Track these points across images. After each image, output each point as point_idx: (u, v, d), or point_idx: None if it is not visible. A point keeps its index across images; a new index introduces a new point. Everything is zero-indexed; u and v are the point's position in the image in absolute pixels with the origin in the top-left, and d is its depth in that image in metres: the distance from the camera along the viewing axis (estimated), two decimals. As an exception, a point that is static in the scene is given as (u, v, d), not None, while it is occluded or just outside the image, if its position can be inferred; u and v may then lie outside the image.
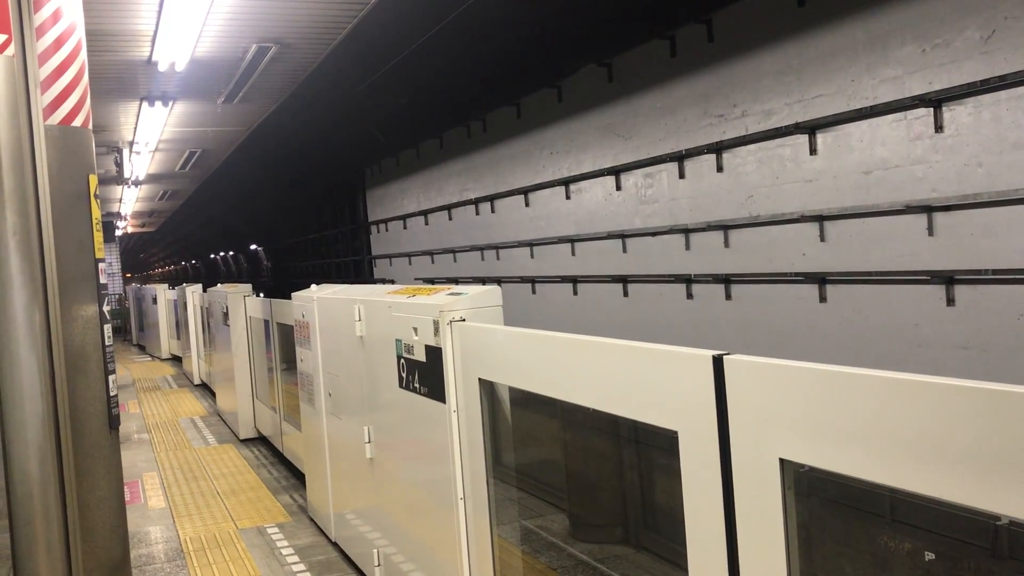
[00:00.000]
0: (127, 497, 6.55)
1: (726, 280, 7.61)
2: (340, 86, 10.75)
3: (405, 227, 15.83)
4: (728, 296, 7.62)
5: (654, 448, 3.36)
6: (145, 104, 10.33)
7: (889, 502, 2.80)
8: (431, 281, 13.80)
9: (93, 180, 3.35)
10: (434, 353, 3.41)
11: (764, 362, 1.81)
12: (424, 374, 3.54)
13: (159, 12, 6.95)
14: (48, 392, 3.10)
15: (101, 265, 3.39)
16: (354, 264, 19.02)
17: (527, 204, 11.21)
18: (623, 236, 9.08)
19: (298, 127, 13.25)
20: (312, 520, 5.97)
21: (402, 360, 3.80)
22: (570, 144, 10.10)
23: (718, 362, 1.90)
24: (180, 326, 15.90)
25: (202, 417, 10.82)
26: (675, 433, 2.06)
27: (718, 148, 7.60)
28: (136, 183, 17.43)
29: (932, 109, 5.67)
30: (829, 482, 1.80)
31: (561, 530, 4.04)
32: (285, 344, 7.35)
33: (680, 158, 8.12)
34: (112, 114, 11.05)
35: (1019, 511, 1.35)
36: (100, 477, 3.30)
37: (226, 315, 9.48)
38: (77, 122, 3.29)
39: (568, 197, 10.21)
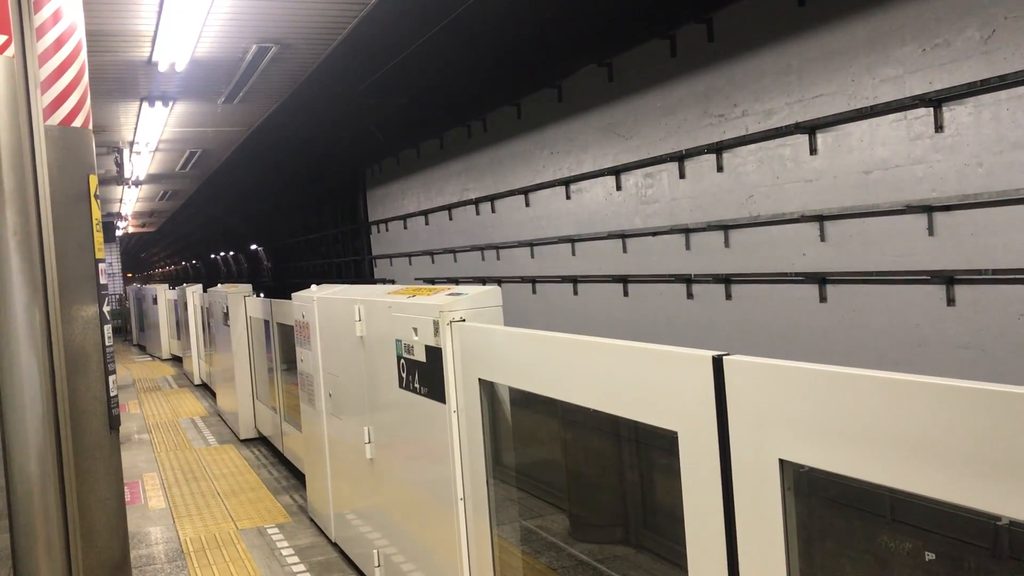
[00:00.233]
0: (127, 497, 6.55)
1: (726, 280, 7.61)
2: (340, 86, 10.76)
3: (405, 227, 15.83)
4: (728, 296, 7.62)
5: (654, 448, 3.36)
6: (145, 104, 10.33)
7: (889, 502, 2.80)
8: (431, 281, 13.80)
9: (93, 180, 3.35)
10: (434, 353, 3.41)
11: (764, 362, 1.81)
12: (424, 374, 3.54)
13: (159, 12, 6.96)
14: (48, 392, 3.10)
15: (101, 265, 3.39)
16: (354, 264, 19.02)
17: (527, 204, 11.21)
18: (623, 236, 9.08)
19: (298, 127, 13.25)
20: (312, 520, 5.97)
21: (402, 360, 3.80)
22: (570, 144, 10.10)
23: (718, 362, 1.90)
24: (180, 326, 15.90)
25: (202, 417, 10.82)
26: (675, 433, 2.06)
27: (718, 148, 7.60)
28: (136, 183, 17.43)
29: (932, 109, 5.67)
30: (829, 482, 1.80)
31: (561, 530, 4.04)
32: (285, 344, 7.35)
33: (680, 158, 8.12)
34: (112, 114, 11.05)
35: (1019, 512, 1.34)
36: (100, 477, 3.30)
37: (226, 315, 9.48)
38: (77, 122, 3.29)
39: (568, 197, 10.21)
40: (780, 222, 6.98)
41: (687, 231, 8.07)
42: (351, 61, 9.34)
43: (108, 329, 3.37)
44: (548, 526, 4.03)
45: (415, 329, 3.59)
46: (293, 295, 5.98)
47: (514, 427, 3.33)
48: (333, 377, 5.14)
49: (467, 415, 3.24)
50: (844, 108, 6.31)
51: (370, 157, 16.98)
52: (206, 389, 13.17)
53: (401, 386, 3.84)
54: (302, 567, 5.12)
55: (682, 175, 8.17)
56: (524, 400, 3.22)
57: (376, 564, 4.48)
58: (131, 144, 13.22)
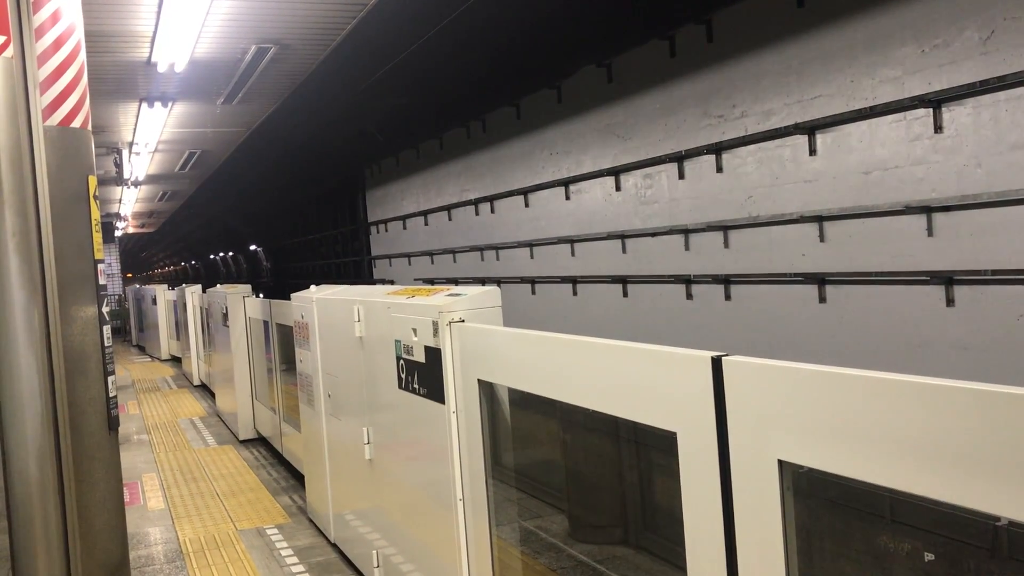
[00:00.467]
0: (126, 498, 6.54)
1: (726, 281, 7.61)
2: (340, 87, 10.76)
3: (405, 227, 15.83)
4: (728, 297, 7.62)
5: (653, 449, 3.36)
6: (144, 105, 10.33)
7: (889, 503, 2.80)
8: (431, 282, 13.80)
9: (92, 181, 3.35)
10: (433, 354, 3.40)
11: (763, 363, 1.81)
12: (423, 375, 3.54)
13: (158, 13, 6.96)
14: (47, 393, 3.09)
15: (100, 266, 3.39)
16: (354, 265, 19.02)
17: (527, 204, 11.21)
18: (623, 237, 9.08)
19: (297, 128, 13.26)
20: (311, 521, 5.96)
21: (401, 361, 3.80)
22: (570, 144, 10.10)
23: (717, 363, 1.90)
24: (180, 327, 15.90)
25: (201, 418, 10.82)
26: (674, 434, 2.06)
27: (718, 148, 7.60)
28: (136, 184, 17.42)
29: (931, 110, 5.67)
30: (828, 483, 1.80)
31: (560, 531, 4.04)
32: (284, 345, 7.34)
33: (680, 158, 8.12)
34: (111, 115, 11.05)
35: (1017, 512, 1.34)
36: (99, 478, 3.30)
37: (225, 316, 9.48)
38: (76, 123, 3.29)
39: (568, 198, 10.21)
40: (779, 223, 6.98)
41: (686, 232, 8.07)
42: (350, 62, 9.34)
43: (107, 330, 3.37)
44: (547, 527, 4.03)
45: (414, 330, 3.58)
46: (292, 296, 5.98)
47: (513, 428, 3.33)
48: (332, 378, 5.13)
49: (466, 416, 3.24)
50: (843, 109, 6.31)
51: (369, 157, 16.99)
52: (205, 390, 13.16)
53: (400, 387, 3.84)
54: (301, 568, 5.12)
55: (681, 176, 8.17)
56: (523, 401, 3.22)
57: (375, 565, 4.48)
58: (130, 145, 13.22)
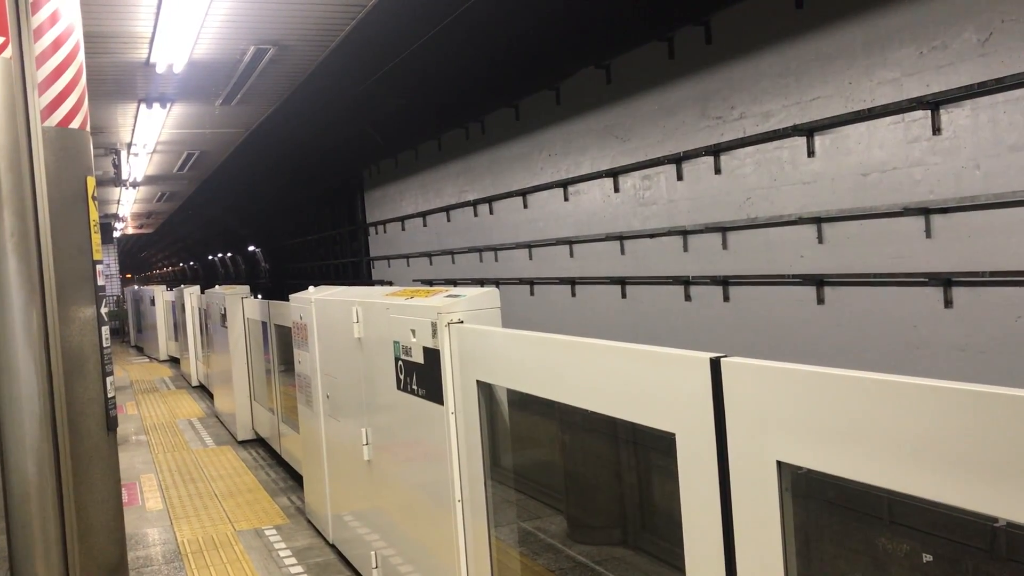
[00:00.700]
0: (124, 499, 6.54)
1: (724, 282, 7.62)
2: (338, 88, 10.76)
3: (403, 229, 15.83)
4: (726, 298, 7.63)
5: (652, 450, 3.36)
6: (143, 106, 10.32)
7: (887, 504, 2.80)
8: (429, 283, 13.80)
9: (91, 182, 3.35)
10: (432, 355, 3.40)
11: (762, 364, 1.81)
12: (422, 376, 3.54)
13: (157, 14, 6.95)
14: (46, 394, 3.09)
15: (99, 267, 3.39)
16: (352, 266, 19.02)
17: (525, 206, 11.21)
18: (621, 238, 9.09)
19: (296, 129, 13.25)
20: (310, 522, 5.96)
21: (400, 362, 3.79)
22: (568, 146, 10.10)
23: (716, 364, 1.90)
24: (178, 328, 15.89)
25: (200, 419, 10.81)
26: (673, 435, 2.06)
27: (716, 150, 7.60)
28: (134, 185, 17.42)
29: (930, 111, 5.68)
30: (827, 484, 1.80)
31: (559, 532, 4.04)
32: (283, 346, 7.34)
33: (678, 160, 8.12)
34: (110, 116, 11.04)
35: (1015, 513, 1.35)
36: (97, 479, 3.29)
37: (224, 317, 9.47)
38: (75, 124, 3.29)
39: (566, 199, 10.21)
40: (778, 224, 6.99)
41: (685, 233, 8.07)
42: (349, 63, 9.34)
43: (105, 330, 3.37)
44: (546, 528, 4.03)
45: (413, 331, 3.58)
46: (291, 296, 5.98)
47: (512, 429, 3.33)
48: (331, 379, 5.13)
49: (465, 417, 3.24)
50: (842, 110, 6.31)
51: (368, 158, 16.99)
52: (204, 390, 13.15)
53: (399, 388, 3.84)
54: (300, 568, 5.12)
55: (680, 177, 8.18)
56: (522, 402, 3.22)
57: (374, 566, 4.48)
58: (129, 145, 13.21)
